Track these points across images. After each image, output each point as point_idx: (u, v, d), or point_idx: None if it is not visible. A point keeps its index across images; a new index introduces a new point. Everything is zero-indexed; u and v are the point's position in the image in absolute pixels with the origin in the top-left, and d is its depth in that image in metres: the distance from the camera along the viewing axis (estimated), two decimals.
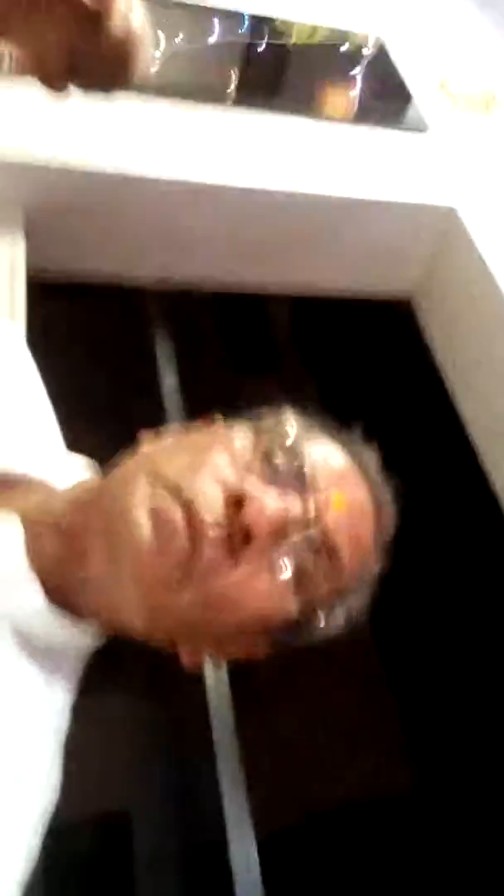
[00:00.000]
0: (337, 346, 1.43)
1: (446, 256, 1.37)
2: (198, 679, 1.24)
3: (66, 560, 0.51)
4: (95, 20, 0.78)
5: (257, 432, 0.54)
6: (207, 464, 0.50)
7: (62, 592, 0.51)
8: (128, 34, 0.81)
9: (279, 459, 0.51)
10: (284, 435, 0.53)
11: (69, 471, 0.60)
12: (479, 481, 1.34)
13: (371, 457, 0.58)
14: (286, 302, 1.50)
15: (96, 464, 0.64)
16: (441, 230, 1.35)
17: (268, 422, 0.56)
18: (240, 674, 1.27)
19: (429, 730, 1.62)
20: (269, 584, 0.49)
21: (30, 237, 1.23)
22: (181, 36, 1.59)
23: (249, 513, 0.47)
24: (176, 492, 0.48)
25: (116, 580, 0.49)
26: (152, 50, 0.90)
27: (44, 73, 0.84)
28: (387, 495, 0.57)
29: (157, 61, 1.42)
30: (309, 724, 1.57)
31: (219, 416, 0.57)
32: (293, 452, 0.52)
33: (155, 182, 1.22)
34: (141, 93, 1.28)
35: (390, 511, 0.57)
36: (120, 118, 1.24)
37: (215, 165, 1.25)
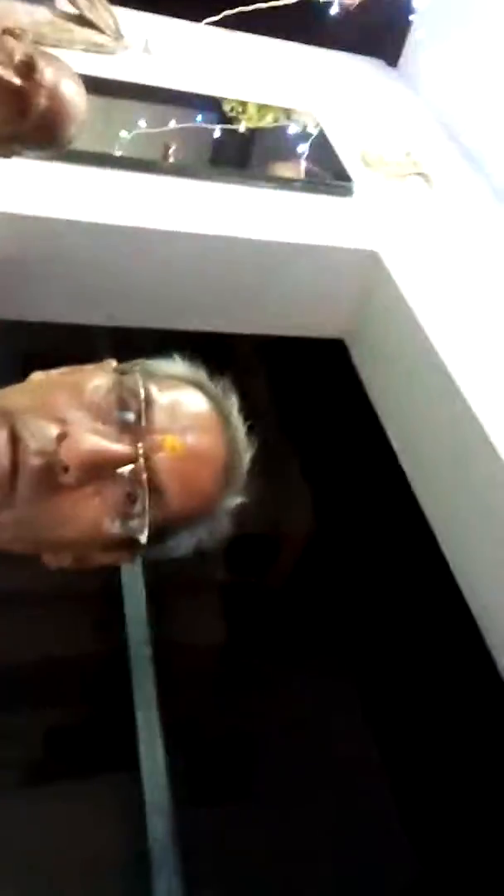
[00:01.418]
0: (277, 382, 1.52)
1: (372, 297, 1.48)
2: None
3: None
4: (23, 96, 0.91)
5: (119, 375, 0.60)
6: (50, 401, 0.56)
7: None
8: (54, 105, 0.93)
9: (125, 401, 0.57)
10: (136, 379, 0.58)
11: None
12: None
13: (231, 403, 0.63)
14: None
15: None
16: (366, 273, 1.46)
17: (130, 366, 0.61)
18: None
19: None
20: (93, 510, 0.55)
21: None
22: (143, 122, 1.79)
23: (64, 448, 0.53)
24: (9, 422, 0.53)
25: None
26: (83, 116, 1.00)
27: None
28: (241, 440, 0.62)
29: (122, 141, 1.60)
30: None
31: (110, 360, 0.63)
32: (137, 396, 0.57)
33: (96, 227, 1.33)
34: (91, 164, 1.43)
35: (243, 455, 0.62)
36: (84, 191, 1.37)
37: (162, 217, 1.37)
